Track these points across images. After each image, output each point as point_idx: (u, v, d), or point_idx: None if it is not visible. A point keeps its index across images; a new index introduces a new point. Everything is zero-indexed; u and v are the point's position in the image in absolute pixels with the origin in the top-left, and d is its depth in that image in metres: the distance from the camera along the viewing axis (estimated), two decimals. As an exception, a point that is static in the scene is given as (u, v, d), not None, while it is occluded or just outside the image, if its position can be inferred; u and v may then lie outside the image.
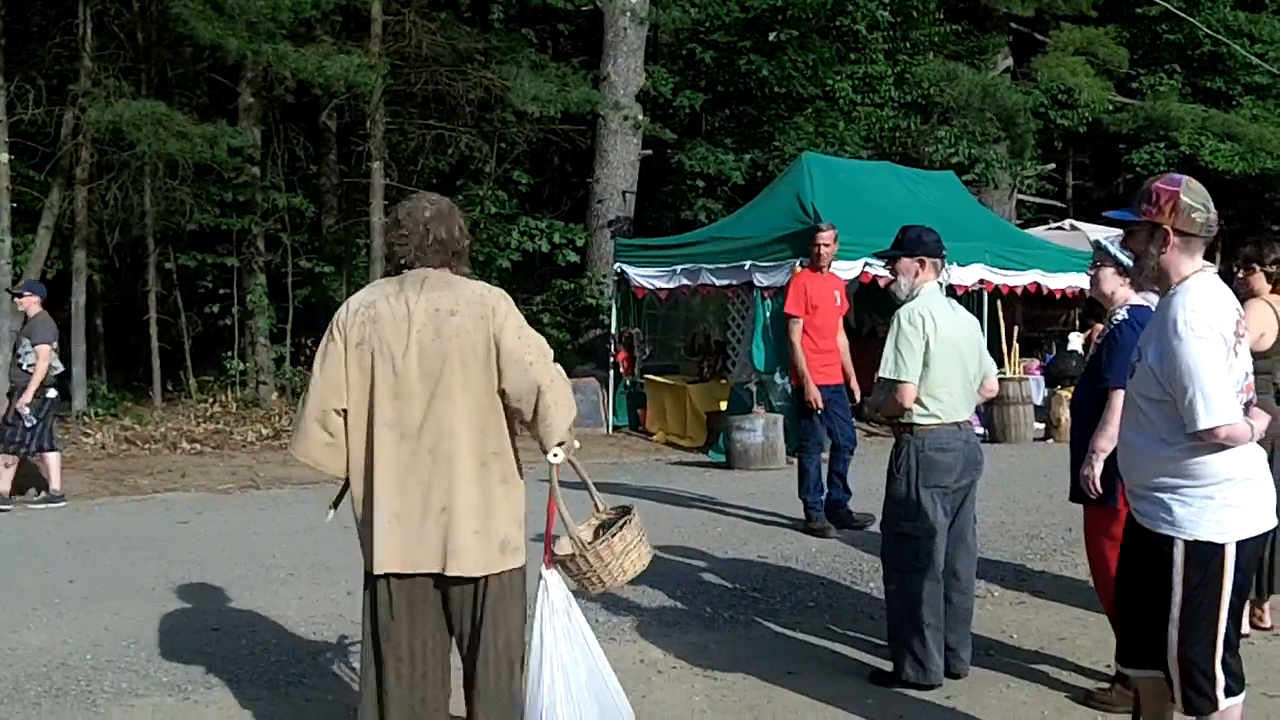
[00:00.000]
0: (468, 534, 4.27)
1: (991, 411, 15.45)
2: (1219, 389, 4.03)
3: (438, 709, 4.44)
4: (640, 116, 20.53)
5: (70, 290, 17.38)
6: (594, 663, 4.72)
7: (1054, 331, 20.63)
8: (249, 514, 11.19)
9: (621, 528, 4.84)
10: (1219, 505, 4.15)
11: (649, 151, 21.17)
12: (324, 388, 4.33)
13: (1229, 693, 4.28)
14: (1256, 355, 6.52)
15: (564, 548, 4.80)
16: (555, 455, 4.45)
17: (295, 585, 8.22)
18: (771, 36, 21.04)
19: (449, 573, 4.28)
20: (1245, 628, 6.84)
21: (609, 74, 20.43)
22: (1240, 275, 6.82)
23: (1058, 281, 16.49)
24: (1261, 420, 4.27)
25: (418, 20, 18.16)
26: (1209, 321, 4.10)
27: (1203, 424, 4.02)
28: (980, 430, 13.94)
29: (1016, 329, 16.80)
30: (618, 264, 17.48)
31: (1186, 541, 4.18)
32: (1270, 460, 6.73)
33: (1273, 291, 6.78)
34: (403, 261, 4.44)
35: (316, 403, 4.35)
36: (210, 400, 17.78)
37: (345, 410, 4.35)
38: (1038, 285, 16.55)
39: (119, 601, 7.76)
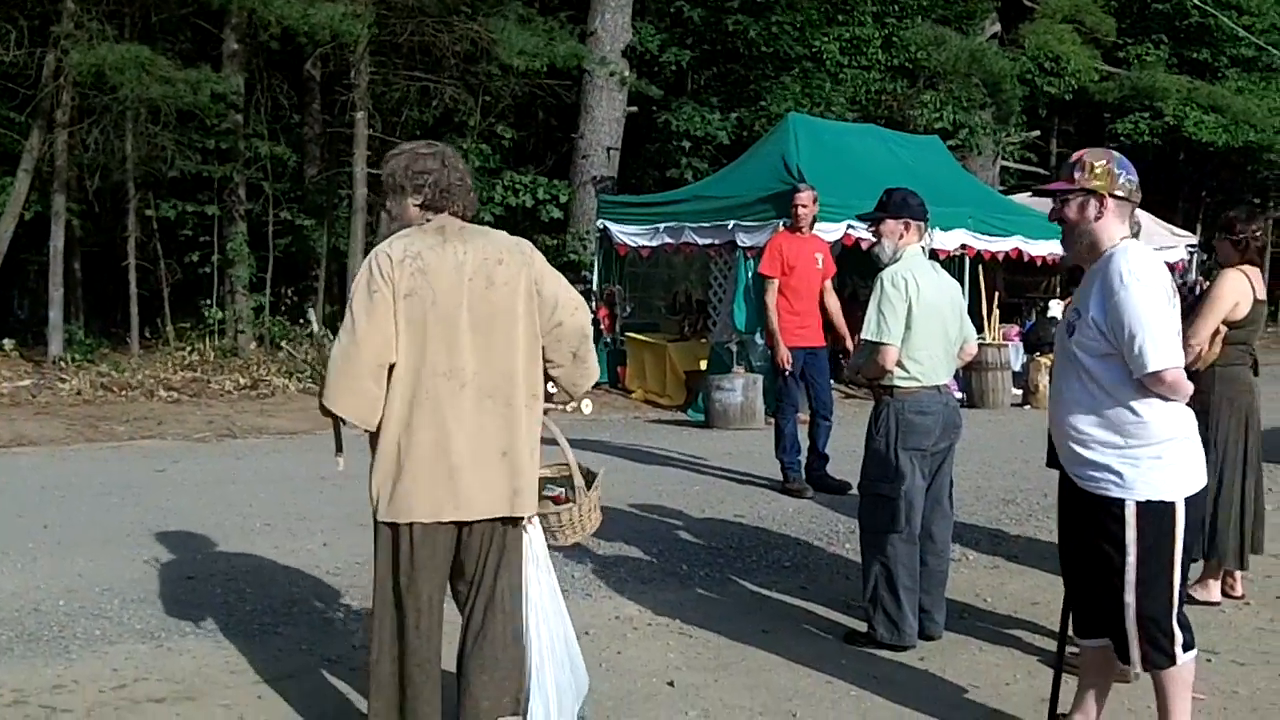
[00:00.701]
0: (527, 474, 4.36)
1: (970, 377, 15.51)
2: (1167, 334, 4.18)
3: (438, 659, 4.44)
4: (627, 73, 20.45)
5: (49, 234, 17.27)
6: (566, 619, 4.73)
7: (1034, 298, 20.69)
8: (225, 463, 11.16)
9: (598, 484, 4.87)
10: (1166, 464, 4.28)
11: (634, 108, 21.10)
12: (377, 341, 4.22)
13: (1185, 647, 4.41)
14: (1232, 325, 6.62)
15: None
16: (587, 405, 4.56)
17: (271, 535, 8.21)
18: (759, -3, 20.99)
19: (516, 514, 4.35)
20: (1216, 595, 6.92)
21: (596, 29, 20.34)
22: (1220, 243, 6.87)
23: (1039, 248, 16.50)
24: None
25: (405, -30, 18.04)
26: (1151, 272, 4.26)
27: (1153, 366, 4.14)
28: (959, 395, 13.96)
29: (997, 295, 16.84)
30: (600, 221, 17.42)
31: (1139, 503, 4.28)
32: (1245, 429, 6.84)
33: (1249, 262, 6.80)
34: (444, 208, 4.40)
35: (370, 357, 4.22)
36: (188, 348, 17.66)
37: (393, 363, 4.29)
38: (1019, 251, 16.58)
39: (93, 548, 7.74)
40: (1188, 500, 4.33)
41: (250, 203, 19.21)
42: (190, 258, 19.41)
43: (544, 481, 4.92)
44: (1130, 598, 4.34)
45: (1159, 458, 4.27)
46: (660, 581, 7.27)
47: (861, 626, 6.22)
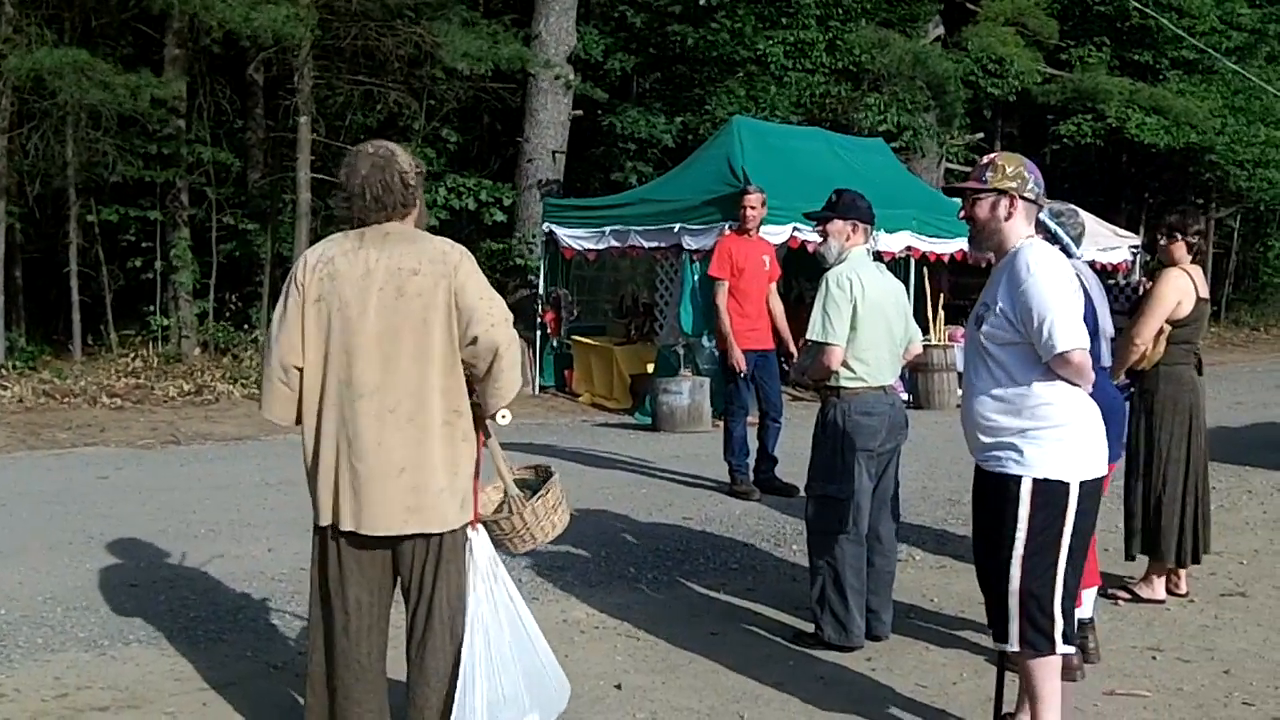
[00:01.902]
0: (431, 492, 4.24)
1: (916, 378, 15.60)
2: (1071, 317, 4.33)
3: (380, 662, 4.43)
4: (571, 76, 20.43)
5: (-12, 241, 17.09)
6: (521, 628, 4.66)
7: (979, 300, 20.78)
8: (169, 469, 11.07)
9: (549, 488, 4.83)
10: (1066, 446, 4.41)
11: (579, 112, 21.07)
12: (283, 345, 4.27)
13: (1066, 639, 4.48)
14: (1176, 323, 6.68)
15: (486, 505, 4.77)
16: (504, 416, 4.44)
17: (215, 541, 8.15)
18: (702, 2, 20.98)
19: (408, 531, 4.25)
20: (1161, 593, 6.98)
21: (540, 33, 20.28)
22: (1163, 244, 6.93)
23: (984, 250, 16.56)
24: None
25: (348, -27, 17.95)
26: (1055, 263, 4.44)
27: (1061, 346, 4.27)
28: (905, 396, 14.02)
29: (942, 296, 16.92)
30: (546, 224, 17.40)
31: (1035, 480, 4.39)
32: (1189, 429, 6.90)
33: (1192, 261, 6.88)
34: (356, 220, 4.37)
35: (278, 360, 4.29)
36: (131, 355, 17.54)
37: (302, 368, 4.30)
38: (964, 253, 16.66)
39: (35, 556, 7.66)
40: (1086, 484, 4.44)
41: (193, 208, 19.08)
42: (133, 263, 19.23)
43: (517, 485, 4.90)
44: (1015, 571, 4.44)
45: (1060, 440, 4.40)
46: (607, 584, 7.27)
47: (809, 627, 6.24)
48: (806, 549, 6.35)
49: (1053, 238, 5.61)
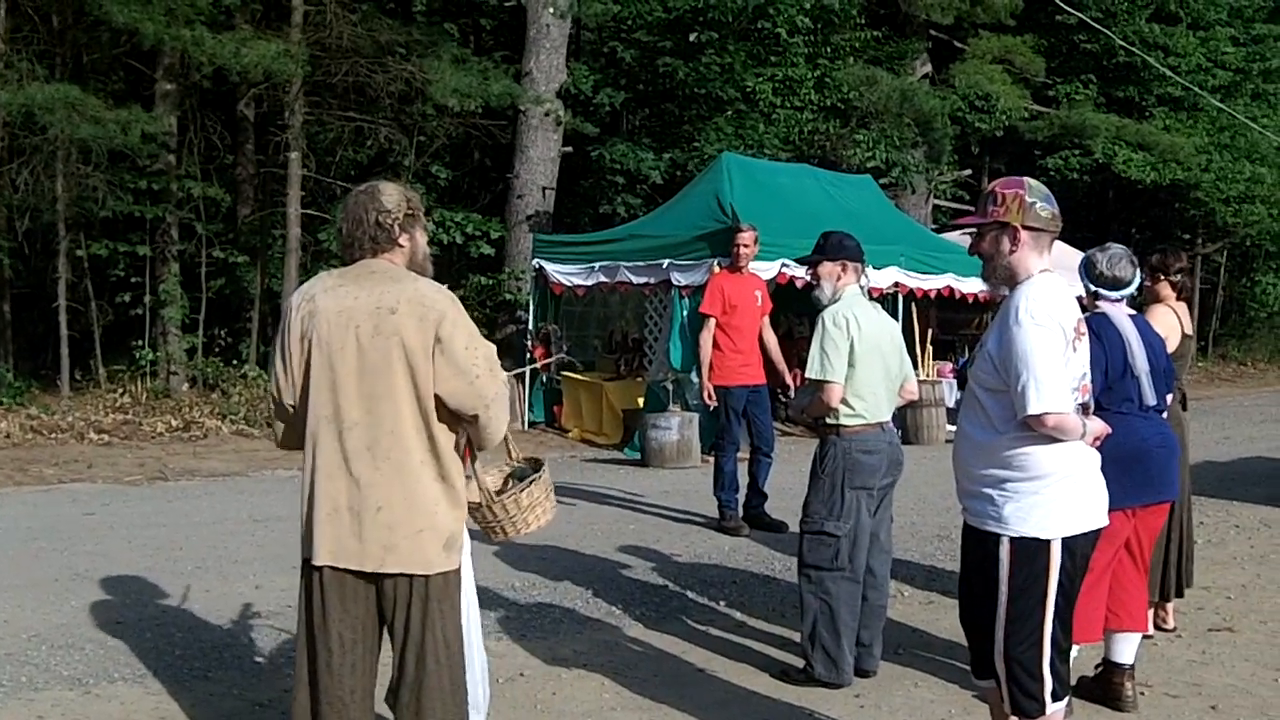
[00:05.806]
0: (408, 531, 4.22)
1: (904, 413, 15.59)
2: (1052, 377, 4.08)
3: (365, 701, 4.39)
4: (561, 112, 20.50)
5: (-23, 277, 17.10)
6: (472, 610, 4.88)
7: (967, 335, 20.85)
8: (156, 506, 11.04)
9: (530, 484, 4.85)
10: (1044, 501, 4.19)
11: (569, 148, 21.15)
12: (275, 380, 4.34)
13: (1055, 697, 4.31)
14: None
15: (472, 494, 4.80)
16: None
17: (202, 578, 8.12)
18: (692, 38, 21.10)
19: (385, 570, 4.23)
20: (1149, 629, 6.96)
21: (531, 70, 20.36)
22: (1147, 284, 6.94)
23: (970, 285, 16.63)
24: (1095, 423, 4.35)
25: (339, 11, 18.00)
26: (1050, 312, 4.16)
27: (1033, 409, 4.06)
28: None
29: (930, 332, 16.95)
30: (536, 260, 17.45)
31: (1012, 538, 4.21)
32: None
33: (1178, 298, 6.91)
34: (356, 254, 4.40)
35: (272, 395, 4.37)
36: (120, 390, 17.49)
37: (293, 404, 4.33)
38: (951, 289, 16.73)
39: (20, 593, 7.63)
40: (1073, 540, 4.25)
41: (183, 243, 19.09)
42: (122, 298, 19.23)
43: (508, 474, 4.99)
44: (999, 635, 4.28)
45: (1037, 493, 4.19)
46: (595, 621, 7.26)
47: (798, 664, 6.22)
48: (798, 585, 6.34)
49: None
